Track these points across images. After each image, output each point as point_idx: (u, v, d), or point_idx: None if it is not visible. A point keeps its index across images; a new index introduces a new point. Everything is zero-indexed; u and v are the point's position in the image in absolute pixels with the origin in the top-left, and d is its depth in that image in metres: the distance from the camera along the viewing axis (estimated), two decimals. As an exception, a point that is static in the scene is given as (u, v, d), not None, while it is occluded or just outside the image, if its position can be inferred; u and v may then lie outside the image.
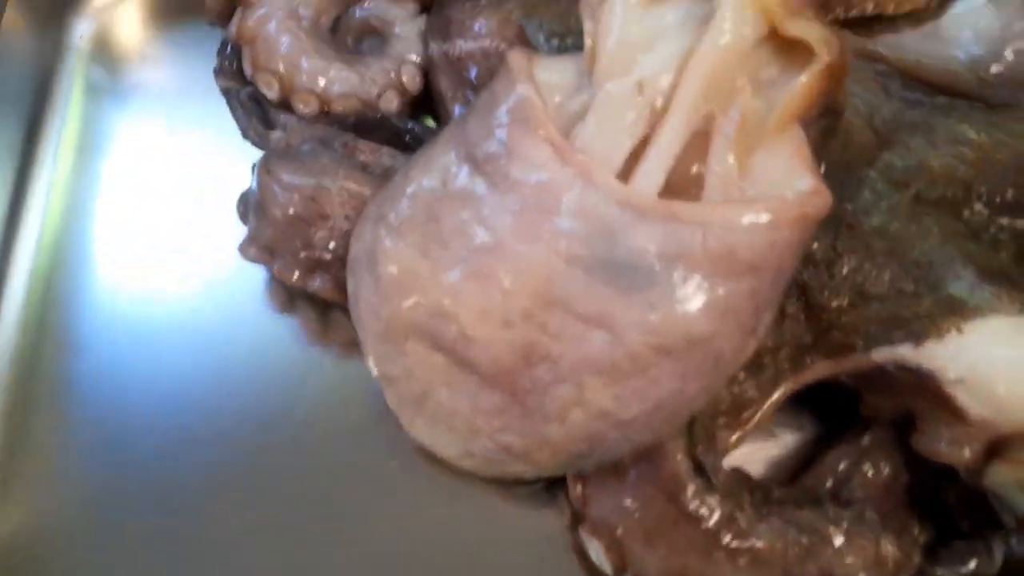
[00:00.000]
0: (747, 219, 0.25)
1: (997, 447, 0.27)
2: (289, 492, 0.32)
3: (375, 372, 0.31)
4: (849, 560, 0.26)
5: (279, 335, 0.35)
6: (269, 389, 0.34)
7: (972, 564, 0.28)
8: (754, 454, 0.31)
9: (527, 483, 0.31)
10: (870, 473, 0.28)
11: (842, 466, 0.28)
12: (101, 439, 0.33)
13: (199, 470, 0.32)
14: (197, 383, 0.34)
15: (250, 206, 0.33)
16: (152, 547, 0.32)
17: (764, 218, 0.25)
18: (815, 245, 0.29)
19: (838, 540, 0.26)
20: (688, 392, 0.26)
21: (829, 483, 0.28)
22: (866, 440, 0.29)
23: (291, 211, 0.32)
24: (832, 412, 0.32)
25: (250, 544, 0.31)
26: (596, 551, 0.27)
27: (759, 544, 0.25)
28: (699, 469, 0.27)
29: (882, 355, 0.28)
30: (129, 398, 0.34)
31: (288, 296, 0.35)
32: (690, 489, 0.26)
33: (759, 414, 0.28)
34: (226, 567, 0.31)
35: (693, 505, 0.26)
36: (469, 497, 0.31)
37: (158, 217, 0.38)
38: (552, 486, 0.31)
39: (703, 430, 0.27)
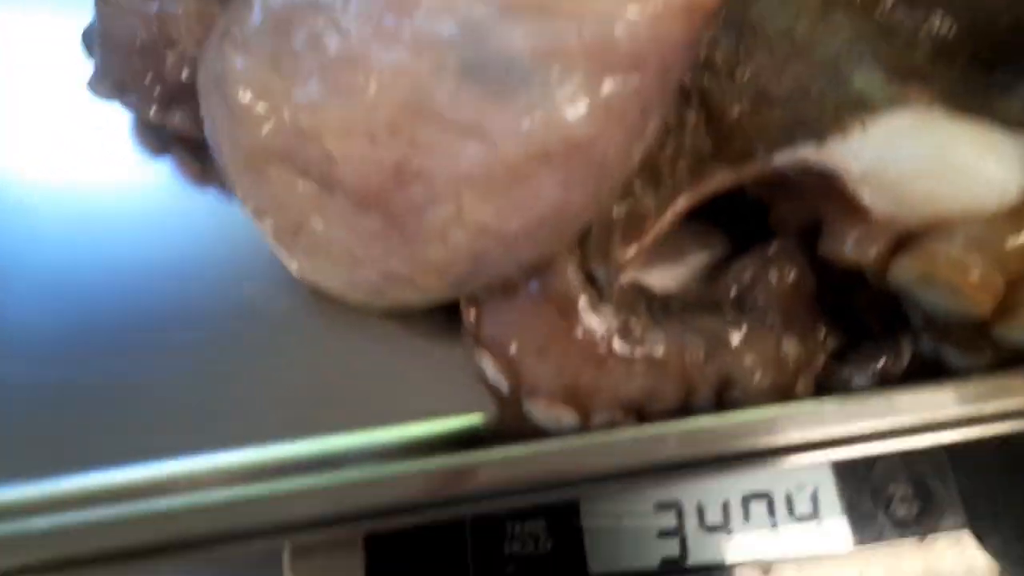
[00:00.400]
0: (628, 9, 0.23)
1: (902, 243, 0.25)
2: (183, 338, 0.31)
3: (248, 210, 0.29)
4: (747, 361, 0.25)
5: (156, 181, 0.33)
6: (151, 236, 0.32)
7: (880, 363, 0.27)
8: (660, 276, 0.30)
9: (425, 314, 0.30)
10: (775, 279, 0.27)
11: (747, 275, 0.27)
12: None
13: (87, 322, 0.31)
14: (73, 236, 0.32)
15: (94, 39, 0.30)
16: (57, 401, 0.31)
17: (647, 7, 0.23)
18: (716, 50, 0.27)
19: (736, 341, 0.25)
20: (572, 202, 0.25)
21: (733, 293, 0.27)
22: (772, 249, 0.27)
23: (136, 39, 0.28)
24: (743, 234, 0.31)
25: (154, 389, 0.30)
26: (492, 371, 0.26)
27: (654, 350, 0.24)
28: (592, 282, 0.25)
29: (784, 158, 0.26)
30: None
31: (159, 137, 0.33)
32: (581, 300, 0.25)
33: (657, 227, 0.26)
34: (136, 412, 0.30)
35: (585, 315, 0.24)
36: (368, 328, 0.30)
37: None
38: (451, 313, 0.30)
39: (597, 245, 0.26)
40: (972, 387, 0.22)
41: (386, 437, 0.26)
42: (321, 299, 0.31)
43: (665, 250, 0.31)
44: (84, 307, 0.31)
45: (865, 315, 0.29)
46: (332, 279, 0.28)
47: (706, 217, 0.31)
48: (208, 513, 0.20)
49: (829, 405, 0.22)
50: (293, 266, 0.28)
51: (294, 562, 0.27)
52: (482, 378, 0.28)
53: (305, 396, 0.29)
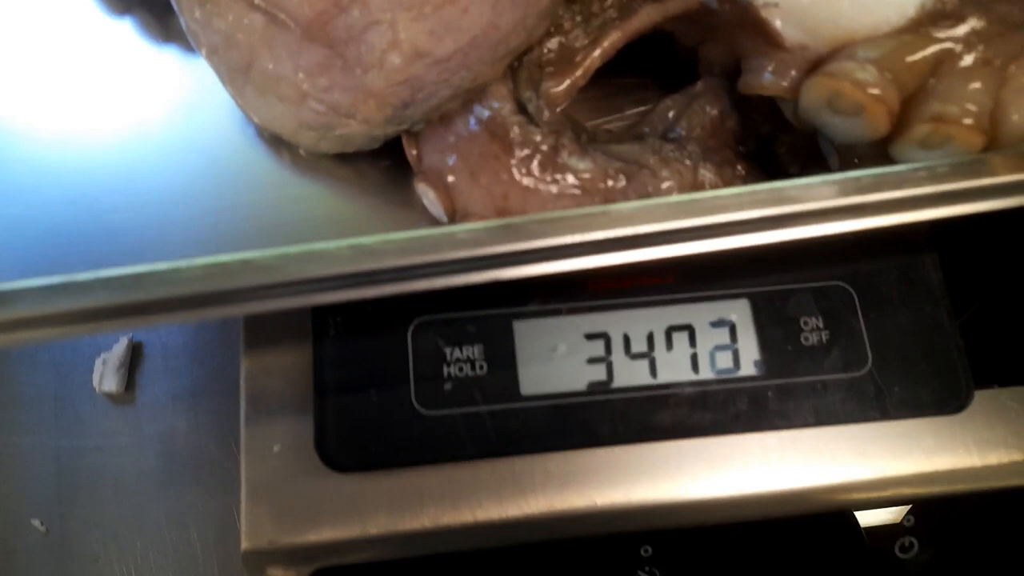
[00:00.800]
0: None
1: (812, 70, 0.27)
2: (158, 183, 0.32)
3: (202, 52, 0.30)
4: (665, 185, 0.26)
5: (119, 41, 0.34)
6: (116, 98, 0.33)
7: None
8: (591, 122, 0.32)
9: (374, 159, 0.32)
10: (698, 114, 0.28)
11: (673, 110, 0.29)
12: None
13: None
14: (38, 98, 0.33)
15: None
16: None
17: None
18: None
19: (656, 166, 0.26)
20: (502, 25, 0.26)
21: (659, 126, 0.29)
22: (698, 86, 0.29)
23: None
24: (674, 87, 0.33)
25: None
26: (431, 201, 0.28)
27: (579, 172, 0.26)
28: (523, 110, 0.27)
29: (704, -11, 0.28)
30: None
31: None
32: (511, 124, 0.26)
33: (586, 63, 0.28)
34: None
35: (515, 138, 0.26)
36: (326, 175, 0.32)
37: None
38: (398, 162, 0.32)
39: (528, 77, 0.27)
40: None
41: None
42: (279, 145, 0.33)
43: (601, 104, 0.33)
44: (49, 165, 0.33)
45: (784, 160, 0.31)
46: (282, 118, 0.29)
47: (640, 74, 0.33)
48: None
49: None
50: (246, 106, 0.30)
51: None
52: (424, 217, 0.30)
53: (265, 234, 0.30)
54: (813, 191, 0.22)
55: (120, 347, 0.46)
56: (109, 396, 0.45)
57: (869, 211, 0.22)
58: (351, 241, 0.21)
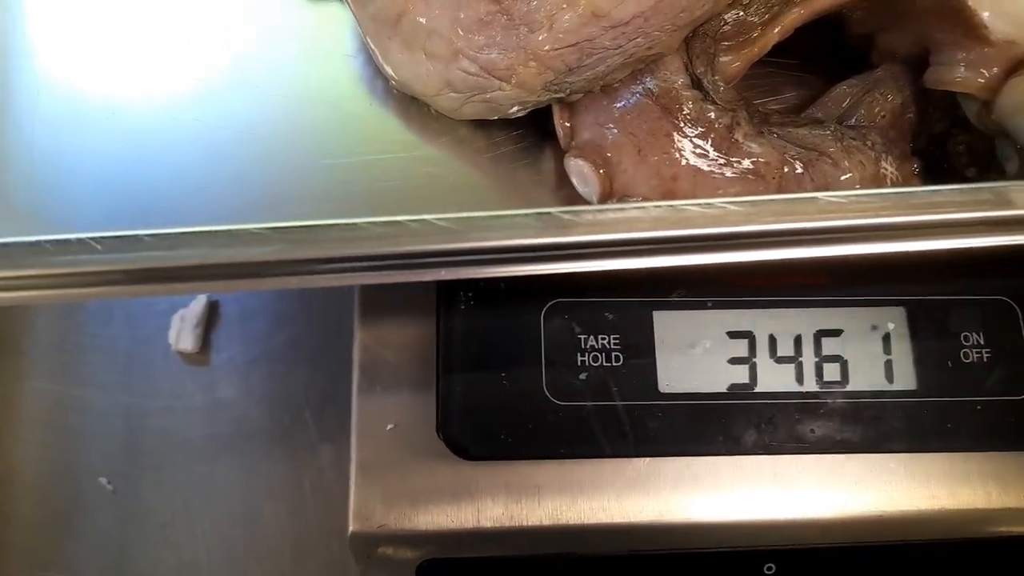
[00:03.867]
0: None
1: (1016, 69, 0.25)
2: (277, 131, 0.30)
3: (349, 2, 0.28)
4: (846, 176, 0.24)
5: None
6: (220, 35, 0.31)
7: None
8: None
9: (510, 128, 0.30)
10: (878, 102, 0.26)
11: (851, 96, 0.27)
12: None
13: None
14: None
15: None
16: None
17: None
18: None
19: (837, 155, 0.24)
20: (689, -8, 0.24)
21: (836, 112, 0.27)
22: (880, 71, 0.27)
23: None
24: (838, 78, 0.31)
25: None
26: (584, 177, 0.26)
27: (755, 156, 0.24)
28: (697, 84, 0.25)
29: (902, -27, 0.26)
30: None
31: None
32: (686, 99, 0.24)
33: (765, 38, 0.26)
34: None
35: (688, 113, 0.24)
36: (457, 141, 0.30)
37: None
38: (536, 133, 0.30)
39: (704, 50, 0.25)
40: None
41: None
42: (409, 106, 0.31)
43: (761, 84, 0.31)
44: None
45: (959, 160, 0.29)
46: (426, 76, 0.27)
47: (803, 61, 0.31)
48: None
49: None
50: (388, 61, 0.28)
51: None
52: (560, 196, 0.28)
53: (390, 197, 0.29)
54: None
55: (198, 305, 0.44)
56: (183, 355, 0.44)
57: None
58: (534, 210, 0.19)
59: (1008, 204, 0.20)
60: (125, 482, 0.42)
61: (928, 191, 0.19)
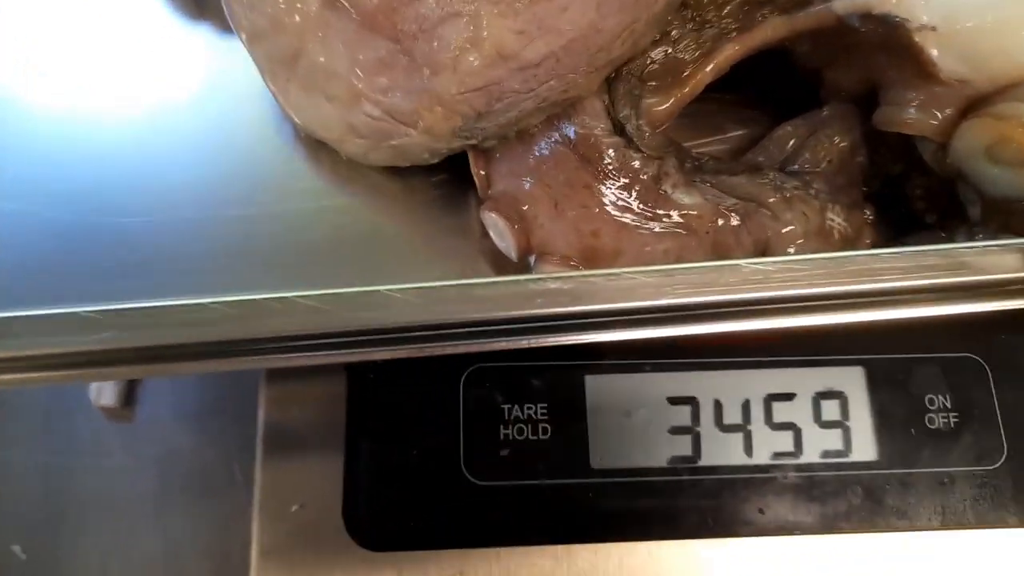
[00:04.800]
0: None
1: (970, 109, 0.23)
2: (179, 180, 0.28)
3: (243, 38, 0.26)
4: (788, 228, 0.22)
5: (145, 16, 0.30)
6: (134, 81, 0.29)
7: (930, 258, 0.25)
8: (695, 149, 0.27)
9: (427, 174, 0.27)
10: (824, 145, 0.24)
11: (794, 139, 0.24)
12: None
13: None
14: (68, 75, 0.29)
15: None
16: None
17: None
18: None
19: (777, 205, 0.22)
20: (605, 29, 0.21)
21: (776, 157, 0.24)
22: (826, 111, 0.24)
23: None
24: (789, 113, 0.29)
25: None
26: (499, 232, 0.23)
27: (685, 208, 0.21)
28: (619, 130, 0.23)
29: (845, 4, 0.23)
30: None
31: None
32: (607, 146, 0.22)
33: (697, 77, 0.23)
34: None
35: (610, 163, 0.21)
36: (369, 188, 0.27)
37: None
38: (456, 178, 0.27)
39: (628, 92, 0.23)
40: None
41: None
42: (319, 150, 0.29)
43: (701, 123, 0.28)
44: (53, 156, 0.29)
45: (918, 205, 0.26)
46: (329, 120, 0.25)
47: (748, 96, 0.29)
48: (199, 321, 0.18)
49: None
50: (288, 103, 0.26)
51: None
52: (483, 247, 0.26)
53: (295, 251, 0.26)
54: (997, 260, 0.18)
55: (122, 357, 0.41)
56: (106, 411, 0.41)
57: None
58: (417, 285, 0.17)
59: (960, 269, 0.18)
60: (41, 550, 0.39)
61: (867, 256, 0.17)
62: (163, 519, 0.40)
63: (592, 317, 0.17)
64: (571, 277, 0.16)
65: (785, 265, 0.17)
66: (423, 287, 0.16)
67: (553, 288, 0.16)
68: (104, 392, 0.40)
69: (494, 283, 0.17)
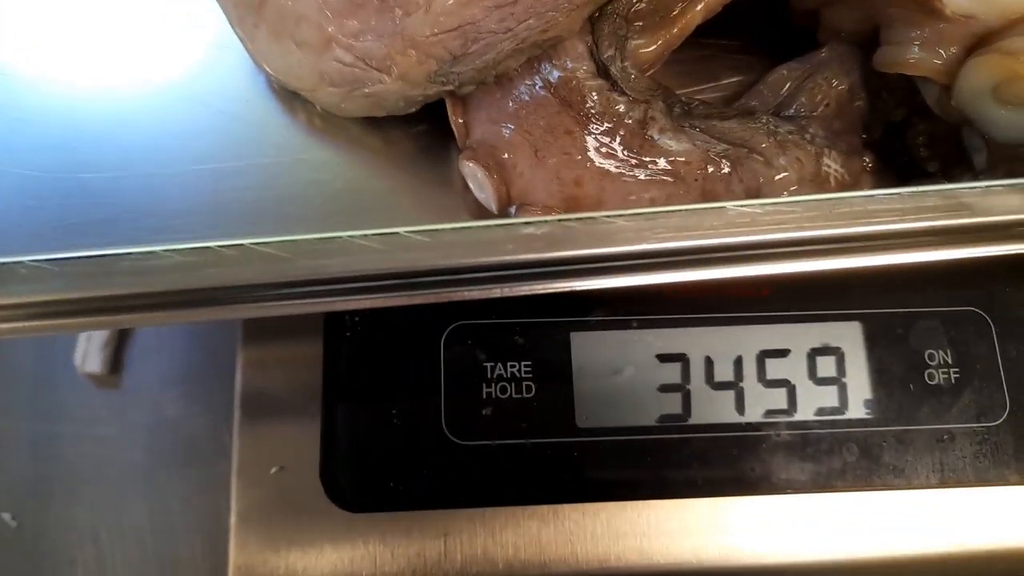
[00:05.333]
0: None
1: (975, 47, 0.22)
2: (148, 136, 0.27)
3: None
4: (781, 175, 0.21)
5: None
6: (102, 36, 0.28)
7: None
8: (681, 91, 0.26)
9: (407, 125, 0.26)
10: (821, 88, 0.23)
11: (789, 82, 0.23)
12: None
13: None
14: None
15: None
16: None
17: None
18: None
19: (770, 151, 0.21)
20: (587, -38, 0.21)
21: (771, 101, 0.23)
22: (823, 53, 0.23)
23: None
24: (786, 60, 0.27)
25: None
26: (479, 183, 0.22)
27: (673, 154, 0.20)
28: (603, 72, 0.21)
29: (846, -64, 0.22)
30: None
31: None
32: (590, 89, 0.20)
33: (687, 17, 0.22)
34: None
35: (592, 107, 0.20)
36: (347, 141, 0.26)
37: None
38: (437, 129, 0.26)
39: (613, 33, 0.22)
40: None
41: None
42: (294, 102, 0.28)
43: (693, 70, 0.27)
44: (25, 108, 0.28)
45: (920, 153, 0.25)
46: (299, 69, 0.24)
47: (743, 42, 0.28)
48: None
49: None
50: (257, 51, 0.25)
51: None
52: (466, 201, 0.25)
53: (271, 207, 0.25)
54: (1000, 200, 0.17)
55: (108, 323, 0.41)
56: (93, 378, 0.41)
57: None
58: (380, 231, 0.16)
59: (961, 210, 0.17)
60: (32, 517, 0.39)
61: (862, 197, 0.16)
62: (152, 485, 0.39)
63: (569, 264, 0.16)
64: (545, 222, 0.16)
65: (774, 207, 0.16)
66: (385, 233, 0.15)
67: (526, 234, 0.15)
68: (89, 359, 0.39)
69: (462, 228, 0.16)
